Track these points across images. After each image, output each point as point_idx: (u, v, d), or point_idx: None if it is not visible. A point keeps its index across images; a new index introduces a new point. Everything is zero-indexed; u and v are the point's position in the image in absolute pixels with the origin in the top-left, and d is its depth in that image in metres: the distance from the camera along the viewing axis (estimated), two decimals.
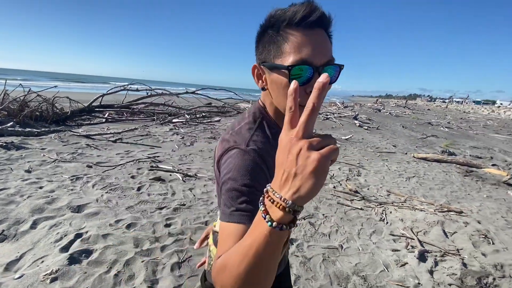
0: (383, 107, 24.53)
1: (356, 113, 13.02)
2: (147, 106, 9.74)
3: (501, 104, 73.06)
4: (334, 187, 4.11)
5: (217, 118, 9.54)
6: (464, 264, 2.35)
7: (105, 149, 4.94)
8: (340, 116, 12.38)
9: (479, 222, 3.23)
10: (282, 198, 0.37)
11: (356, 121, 11.34)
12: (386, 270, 2.30)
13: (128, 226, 2.52)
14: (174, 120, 8.21)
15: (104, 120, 7.72)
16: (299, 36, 0.54)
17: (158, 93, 10.25)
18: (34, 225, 2.40)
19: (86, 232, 2.36)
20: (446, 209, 3.52)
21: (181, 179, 3.81)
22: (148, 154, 4.81)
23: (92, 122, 7.48)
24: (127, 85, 9.77)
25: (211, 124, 8.47)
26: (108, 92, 8.98)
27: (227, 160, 0.59)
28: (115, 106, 9.01)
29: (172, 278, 1.96)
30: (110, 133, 5.89)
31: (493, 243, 2.76)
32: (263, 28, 0.60)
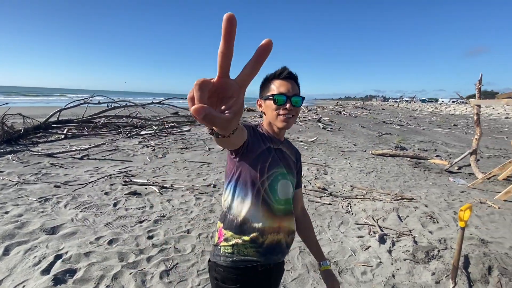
0: (343, 109, 26.24)
1: (319, 116, 13.84)
2: (110, 119, 9.35)
3: (442, 101, 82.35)
4: (304, 186, 4.45)
5: (187, 128, 9.50)
6: (415, 242, 2.79)
7: (72, 167, 4.72)
8: (305, 120, 13.07)
9: (426, 206, 3.78)
10: None
11: (319, 124, 12.09)
12: (354, 254, 2.63)
13: (110, 242, 2.54)
14: (142, 133, 8.02)
15: (63, 136, 7.27)
16: (278, 82, 1.04)
17: (122, 105, 9.90)
18: (6, 252, 2.30)
19: (66, 252, 2.33)
20: (400, 197, 4.04)
21: (157, 191, 3.83)
22: (120, 169, 4.72)
23: (49, 139, 7.00)
24: (88, 98, 9.30)
25: (181, 134, 8.43)
26: (67, 106, 8.48)
27: None
28: (75, 121, 8.52)
29: (162, 285, 2.06)
30: (76, 150, 5.62)
31: (437, 222, 3.28)
32: (262, 82, 1.10)
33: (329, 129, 11.35)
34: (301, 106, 1.10)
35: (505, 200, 4.15)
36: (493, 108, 33.89)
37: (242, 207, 1.01)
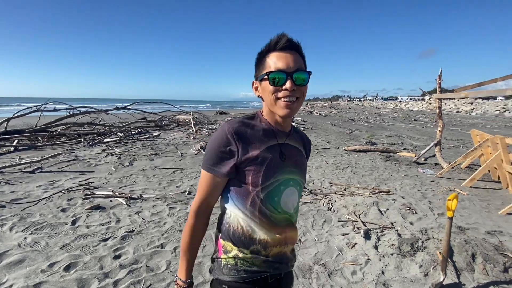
0: (313, 109, 26.99)
1: (293, 118, 14.02)
2: (69, 127, 8.50)
3: (401, 99, 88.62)
4: None
5: (156, 133, 8.96)
6: (399, 235, 2.77)
7: (21, 182, 4.10)
8: None
9: (403, 197, 3.85)
10: None
11: (293, 124, 12.20)
12: (341, 253, 2.53)
13: (67, 268, 2.15)
14: (106, 140, 7.37)
15: (12, 148, 6.40)
16: (275, 56, 0.80)
17: (82, 112, 9.08)
18: None
19: (11, 286, 1.92)
20: (377, 191, 4.08)
21: (124, 203, 3.45)
22: (80, 181, 4.20)
23: None
24: (40, 105, 8.36)
25: (150, 140, 7.91)
26: (16, 115, 7.53)
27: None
28: (27, 130, 7.59)
29: None
30: (26, 163, 4.92)
31: (416, 213, 3.33)
32: (257, 57, 0.85)
33: (302, 128, 11.48)
34: (306, 86, 0.83)
35: (471, 187, 4.39)
36: (445, 104, 37.14)
37: (238, 216, 0.86)
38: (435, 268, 2.21)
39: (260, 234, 0.85)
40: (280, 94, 0.79)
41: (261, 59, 0.84)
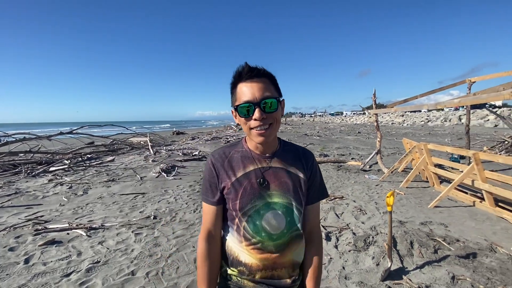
0: None
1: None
2: (2, 157, 7.48)
3: (346, 113, 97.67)
4: None
5: (109, 158, 8.41)
6: (354, 233, 3.17)
7: None
8: (239, 138, 13.43)
9: (354, 201, 4.36)
10: None
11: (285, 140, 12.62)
12: None
13: None
14: (51, 169, 6.68)
15: None
16: (242, 87, 0.83)
17: (19, 139, 8.10)
18: None
19: None
20: (333, 197, 4.54)
21: (84, 234, 3.23)
22: (26, 216, 3.78)
23: None
24: None
25: (104, 166, 7.40)
26: None
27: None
28: None
29: None
30: None
31: (366, 213, 3.82)
32: (230, 86, 0.89)
33: None
34: (278, 110, 0.83)
35: (407, 187, 5.17)
36: (382, 117, 42.16)
37: (229, 239, 0.92)
38: (384, 258, 2.61)
39: (245, 257, 0.87)
40: (252, 124, 0.82)
41: (232, 89, 0.87)
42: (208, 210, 0.93)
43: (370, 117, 45.42)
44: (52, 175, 6.27)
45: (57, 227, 3.38)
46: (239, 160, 0.90)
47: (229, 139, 12.99)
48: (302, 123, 41.07)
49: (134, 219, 3.77)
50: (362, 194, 4.83)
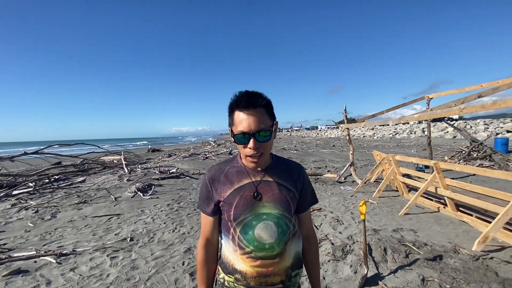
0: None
1: (230, 149, 14.48)
2: None
3: (321, 128, 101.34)
4: None
5: (80, 178, 7.96)
6: (332, 243, 3.29)
7: None
8: (218, 154, 13.37)
9: (331, 212, 4.52)
10: None
11: (231, 156, 12.65)
12: None
13: None
14: (14, 193, 6.17)
15: None
16: (239, 116, 0.88)
17: None
18: None
19: None
20: (312, 210, 4.68)
21: (53, 261, 3.03)
22: None
23: None
24: None
25: (74, 187, 6.98)
26: None
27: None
28: None
29: None
30: None
31: (343, 223, 3.98)
32: (229, 106, 0.93)
33: None
34: (271, 140, 0.91)
35: (379, 197, 5.47)
36: (354, 131, 44.30)
37: (225, 247, 1.00)
38: (361, 265, 2.73)
39: (240, 265, 0.93)
40: (246, 152, 0.90)
41: (230, 111, 0.92)
42: (205, 220, 1.03)
43: (343, 131, 47.61)
44: (16, 199, 5.79)
45: (22, 255, 3.13)
46: (234, 175, 0.97)
47: (207, 156, 12.90)
48: (280, 138, 41.87)
49: (109, 242, 3.60)
50: (338, 205, 5.02)
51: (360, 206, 2.31)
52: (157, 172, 8.73)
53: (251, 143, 0.87)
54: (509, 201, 3.00)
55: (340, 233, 3.64)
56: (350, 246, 3.13)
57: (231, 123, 0.92)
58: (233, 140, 0.94)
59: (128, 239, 3.69)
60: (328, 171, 9.26)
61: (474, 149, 10.06)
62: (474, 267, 2.56)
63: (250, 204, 0.93)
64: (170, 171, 8.82)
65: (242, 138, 0.88)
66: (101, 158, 12.11)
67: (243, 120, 0.87)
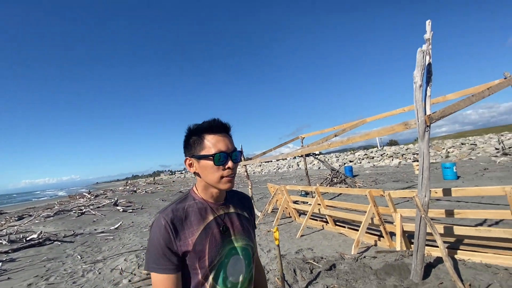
0: (136, 187, 25.11)
1: (115, 198, 12.36)
2: None
3: None
4: (130, 280, 3.79)
5: None
6: None
7: None
8: (98, 207, 11.08)
9: None
10: None
11: (118, 207, 10.76)
12: None
13: None
14: None
15: None
16: (214, 138, 0.88)
17: None
18: None
19: None
20: None
21: None
22: None
23: None
24: None
25: None
26: None
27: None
28: None
29: None
30: None
31: None
32: (187, 136, 0.92)
33: (130, 210, 10.39)
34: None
35: (278, 225, 6.06)
36: (250, 167, 47.74)
37: None
38: None
39: None
40: (224, 173, 0.87)
41: (197, 139, 0.89)
42: (166, 283, 0.81)
43: (241, 167, 50.37)
44: None
45: None
46: (197, 213, 0.89)
47: (83, 210, 10.45)
48: (173, 181, 39.46)
49: None
50: None
51: (274, 232, 2.56)
52: (4, 242, 6.29)
53: (230, 162, 0.87)
54: (366, 212, 4.09)
55: None
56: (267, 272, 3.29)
57: (201, 148, 0.88)
58: (193, 168, 0.91)
59: None
60: None
61: (334, 175, 12.99)
62: (357, 267, 3.25)
63: (221, 242, 0.88)
64: (28, 238, 6.56)
65: (221, 158, 0.86)
66: None
67: (220, 141, 0.88)
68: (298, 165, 36.13)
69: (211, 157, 0.86)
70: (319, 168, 28.34)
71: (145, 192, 18.97)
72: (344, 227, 5.03)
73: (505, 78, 3.57)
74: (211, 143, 0.87)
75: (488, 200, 5.97)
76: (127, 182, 36.68)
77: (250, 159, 8.06)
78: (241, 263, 0.91)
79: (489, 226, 4.17)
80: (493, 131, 30.15)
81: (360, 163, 25.05)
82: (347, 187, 11.15)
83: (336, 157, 33.27)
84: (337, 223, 5.27)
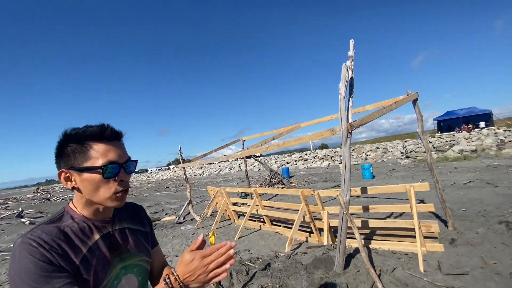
0: (50, 194, 21.40)
1: (20, 209, 10.25)
2: None
3: (151, 170, 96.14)
4: None
5: None
6: None
7: None
8: None
9: (177, 256, 4.39)
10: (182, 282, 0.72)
11: (24, 219, 8.94)
12: None
13: None
14: None
15: None
16: (103, 147, 0.76)
17: None
18: None
19: None
20: None
21: None
22: None
23: None
24: None
25: None
26: None
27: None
28: None
29: None
30: None
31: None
32: (63, 143, 0.76)
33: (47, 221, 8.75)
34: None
35: (217, 228, 5.98)
36: (191, 169, 45.90)
37: None
38: None
39: None
40: (116, 188, 0.77)
41: (77, 148, 0.75)
42: None
43: (175, 171, 47.93)
44: None
45: None
46: (78, 233, 0.75)
47: None
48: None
49: None
50: (182, 246, 4.96)
51: (210, 237, 2.50)
52: None
53: (122, 174, 0.77)
54: (298, 210, 4.37)
55: None
56: None
57: (84, 159, 0.75)
58: (74, 180, 0.76)
59: None
60: (166, 214, 8.91)
61: (272, 176, 13.59)
62: (289, 264, 3.44)
63: (109, 263, 0.78)
64: None
65: (112, 170, 0.75)
66: None
67: (110, 151, 0.76)
68: (239, 167, 36.50)
69: (99, 170, 0.73)
70: (259, 169, 29.21)
71: (62, 199, 16.32)
72: (280, 226, 5.28)
73: (407, 95, 4.31)
74: (99, 153, 0.75)
75: (395, 196, 7.12)
76: (38, 188, 30.91)
77: (190, 161, 7.76)
78: (133, 281, 0.85)
79: (395, 218, 4.97)
80: (400, 138, 36.31)
81: (296, 164, 26.84)
82: (284, 187, 11.78)
83: (275, 159, 34.85)
84: (273, 223, 5.49)
